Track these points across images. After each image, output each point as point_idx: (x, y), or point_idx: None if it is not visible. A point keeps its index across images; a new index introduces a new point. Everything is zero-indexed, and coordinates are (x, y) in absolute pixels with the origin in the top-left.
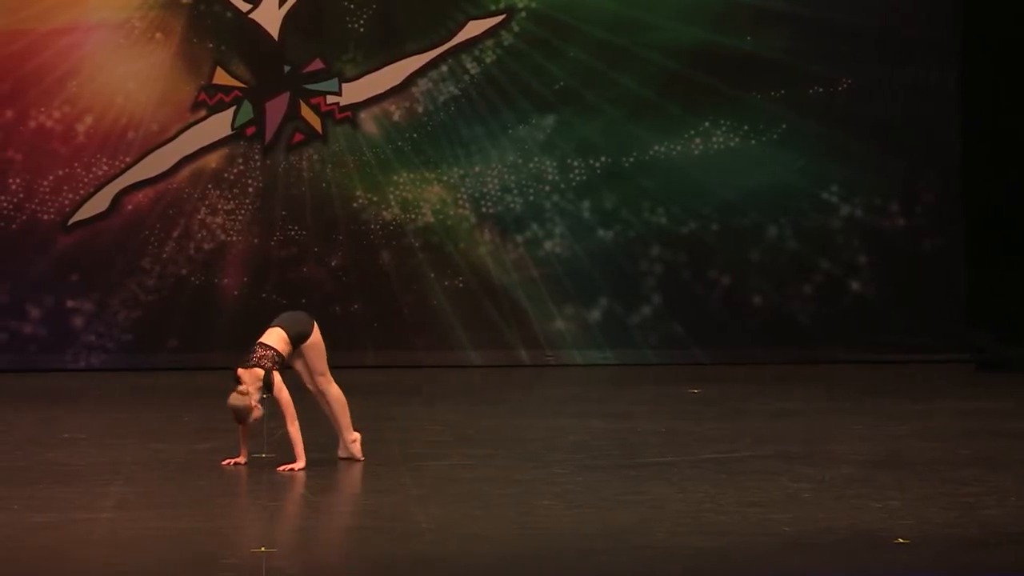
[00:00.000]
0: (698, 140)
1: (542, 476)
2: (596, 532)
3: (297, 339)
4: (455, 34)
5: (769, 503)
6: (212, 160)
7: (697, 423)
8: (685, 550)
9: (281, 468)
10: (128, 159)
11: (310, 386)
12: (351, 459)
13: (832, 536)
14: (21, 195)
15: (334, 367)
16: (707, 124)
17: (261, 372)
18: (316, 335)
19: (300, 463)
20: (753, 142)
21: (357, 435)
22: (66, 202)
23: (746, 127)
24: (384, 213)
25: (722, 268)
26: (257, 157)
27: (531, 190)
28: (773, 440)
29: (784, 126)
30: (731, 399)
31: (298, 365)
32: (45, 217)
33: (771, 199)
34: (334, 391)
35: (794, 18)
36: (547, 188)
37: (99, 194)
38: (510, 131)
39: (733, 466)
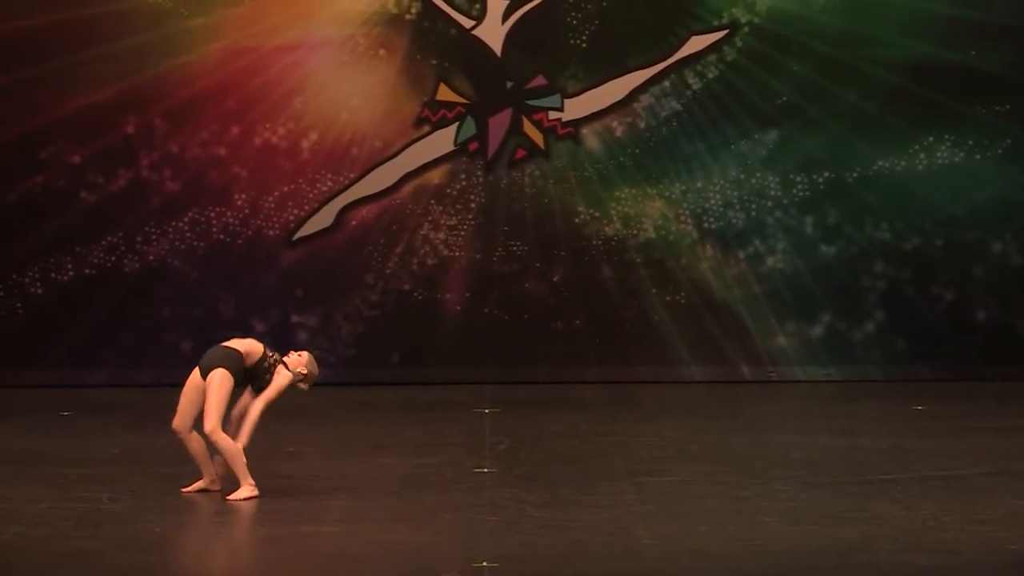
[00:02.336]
0: (922, 155)
1: (765, 492)
2: (819, 549)
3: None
4: (677, 49)
5: (994, 521)
6: (435, 176)
7: (921, 440)
8: (908, 567)
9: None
10: (352, 175)
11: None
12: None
13: None
14: (247, 211)
15: (556, 382)
16: (931, 139)
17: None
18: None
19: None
20: (978, 157)
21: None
22: (291, 217)
23: (970, 142)
24: (606, 228)
25: (946, 283)
26: (479, 173)
27: (753, 205)
28: (998, 457)
29: (1009, 141)
30: (955, 416)
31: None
32: (270, 232)
33: (996, 214)
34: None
35: (1019, 32)
36: (769, 203)
37: (323, 210)
38: (732, 146)
39: (958, 483)
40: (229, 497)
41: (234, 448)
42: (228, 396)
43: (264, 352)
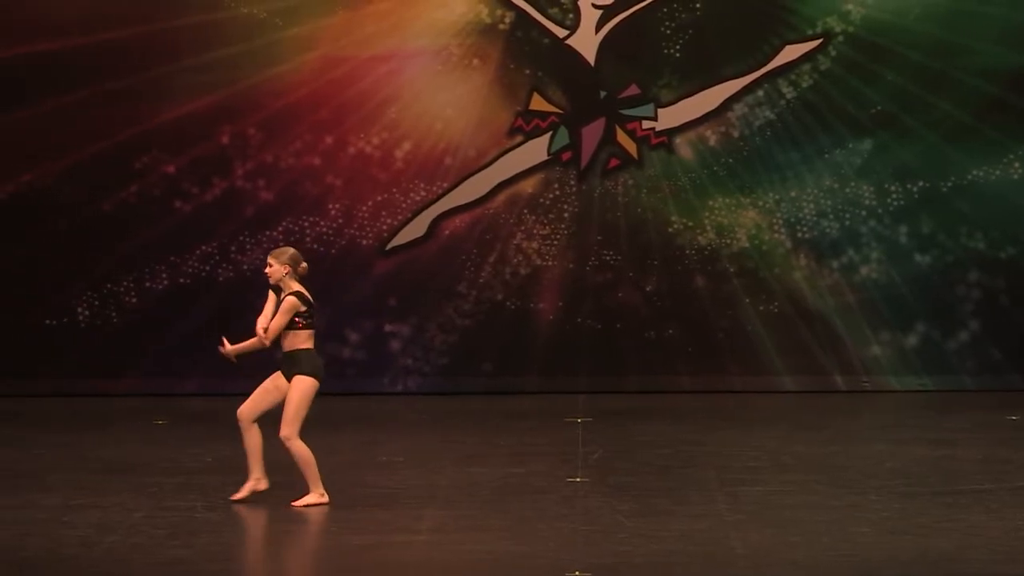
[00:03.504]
0: (1016, 164)
1: (858, 503)
2: (912, 559)
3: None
4: (771, 59)
5: None
6: (528, 185)
7: (1015, 450)
8: None
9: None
10: (445, 184)
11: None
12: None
13: None
14: (340, 220)
15: (649, 392)
16: None
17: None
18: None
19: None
20: None
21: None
22: (384, 227)
23: None
24: (699, 238)
25: None
26: (572, 182)
27: (847, 215)
28: None
29: None
30: None
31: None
32: (364, 242)
33: None
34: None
35: None
36: (863, 213)
37: (417, 219)
38: (826, 155)
39: None
40: (295, 503)
41: (308, 455)
42: (309, 405)
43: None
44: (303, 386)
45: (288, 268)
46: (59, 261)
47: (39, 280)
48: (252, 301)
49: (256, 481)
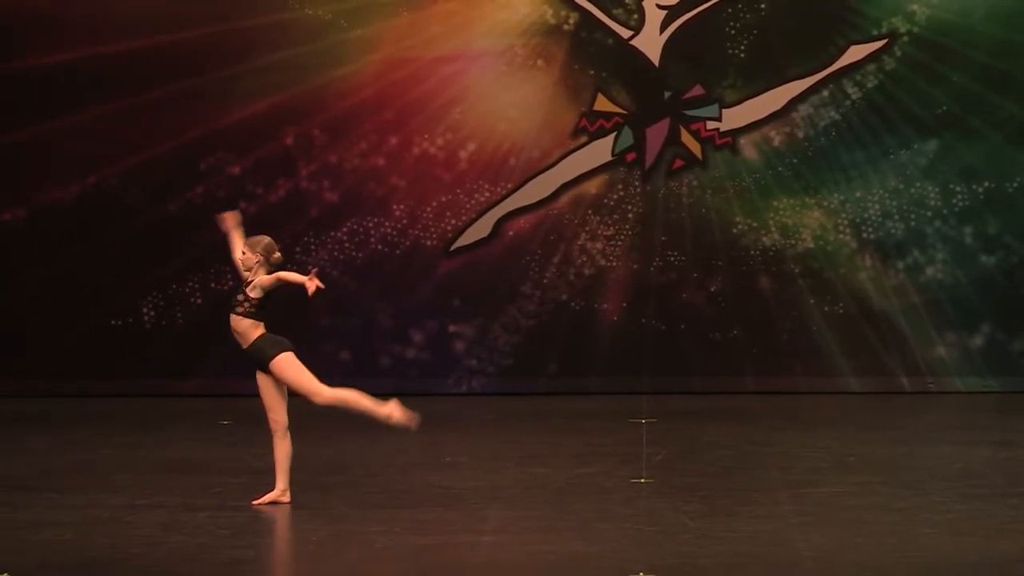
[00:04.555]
0: None
1: (923, 504)
2: (978, 561)
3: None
4: (836, 59)
5: None
6: (592, 186)
7: None
8: None
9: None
10: (509, 185)
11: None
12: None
13: None
14: (405, 221)
15: (714, 393)
16: None
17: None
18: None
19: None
20: None
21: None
22: (448, 228)
23: None
24: (763, 239)
25: None
26: (637, 183)
27: (913, 215)
28: None
29: None
30: None
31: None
32: (428, 243)
33: None
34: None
35: None
36: (929, 213)
37: (481, 220)
38: (891, 156)
39: None
40: (391, 421)
41: (351, 393)
42: (302, 368)
43: (244, 287)
44: (286, 364)
45: (260, 257)
46: (124, 262)
47: (104, 281)
48: (316, 301)
49: (281, 492)
